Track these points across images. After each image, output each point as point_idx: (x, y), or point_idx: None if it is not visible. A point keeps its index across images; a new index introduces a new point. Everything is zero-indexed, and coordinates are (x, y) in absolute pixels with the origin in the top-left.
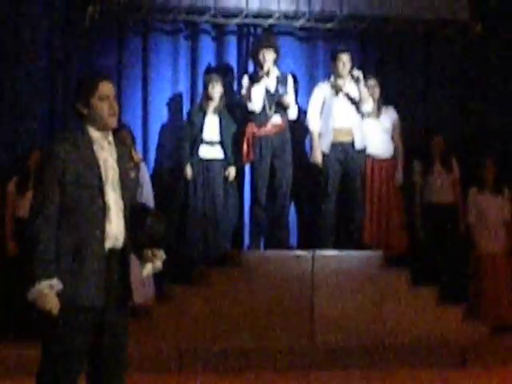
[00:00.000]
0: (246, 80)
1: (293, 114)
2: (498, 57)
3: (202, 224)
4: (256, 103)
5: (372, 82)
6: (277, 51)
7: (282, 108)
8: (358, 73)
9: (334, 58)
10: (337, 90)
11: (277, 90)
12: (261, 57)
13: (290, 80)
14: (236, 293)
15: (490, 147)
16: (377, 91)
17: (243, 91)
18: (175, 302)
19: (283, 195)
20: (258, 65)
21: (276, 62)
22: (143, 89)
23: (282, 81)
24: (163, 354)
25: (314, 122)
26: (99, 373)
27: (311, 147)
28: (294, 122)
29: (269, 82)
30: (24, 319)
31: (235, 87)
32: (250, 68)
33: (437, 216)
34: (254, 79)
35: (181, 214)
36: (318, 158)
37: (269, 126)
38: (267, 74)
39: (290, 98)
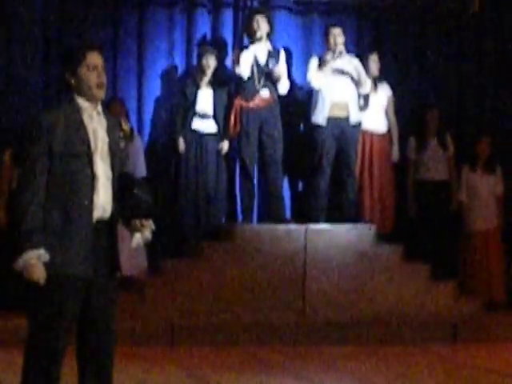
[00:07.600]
0: (237, 49)
1: (283, 88)
2: (495, 33)
3: (195, 197)
4: (244, 68)
5: (374, 57)
6: (270, 23)
7: (271, 82)
8: (341, 48)
9: (325, 33)
10: (324, 63)
11: (267, 64)
12: (255, 23)
13: (282, 54)
14: (228, 267)
15: (485, 125)
16: (377, 66)
17: (233, 56)
18: (168, 276)
19: (274, 169)
20: (251, 32)
21: (269, 36)
22: (138, 61)
23: (273, 55)
24: (155, 328)
25: (315, 79)
26: (88, 346)
27: (313, 109)
28: (285, 96)
29: (259, 52)
30: (15, 290)
31: (229, 61)
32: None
33: (430, 193)
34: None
35: (173, 187)
36: (320, 118)
37: (257, 100)
38: (259, 39)
39: (281, 71)
